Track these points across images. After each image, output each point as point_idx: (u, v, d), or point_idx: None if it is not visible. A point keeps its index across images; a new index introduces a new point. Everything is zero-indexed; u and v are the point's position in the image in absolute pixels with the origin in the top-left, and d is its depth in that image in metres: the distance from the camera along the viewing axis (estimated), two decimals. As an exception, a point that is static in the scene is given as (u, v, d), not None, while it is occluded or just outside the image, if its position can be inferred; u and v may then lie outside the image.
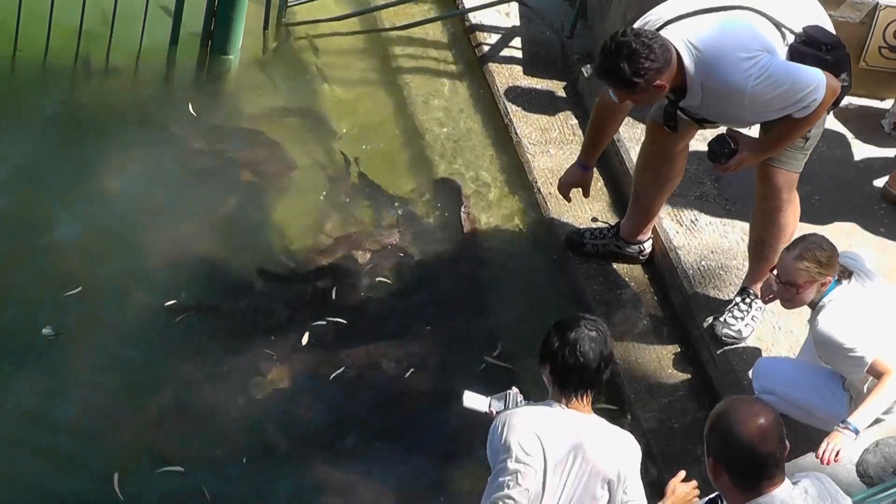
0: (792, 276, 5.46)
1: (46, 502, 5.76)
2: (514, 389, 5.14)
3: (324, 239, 7.04)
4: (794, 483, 4.09)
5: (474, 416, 5.10)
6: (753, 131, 6.09)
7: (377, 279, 6.86)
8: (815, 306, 5.51)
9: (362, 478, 6.02)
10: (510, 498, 4.75)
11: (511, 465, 4.75)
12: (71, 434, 5.99)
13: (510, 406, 5.06)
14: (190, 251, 6.84)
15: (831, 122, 7.33)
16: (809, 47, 5.78)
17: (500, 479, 4.76)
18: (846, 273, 5.52)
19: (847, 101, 7.40)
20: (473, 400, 5.12)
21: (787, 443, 4.03)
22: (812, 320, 5.51)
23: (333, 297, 6.71)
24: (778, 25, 5.80)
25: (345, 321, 6.58)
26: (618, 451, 4.82)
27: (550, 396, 4.84)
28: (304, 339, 6.49)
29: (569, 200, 6.74)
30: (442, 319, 6.74)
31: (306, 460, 6.04)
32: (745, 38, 5.72)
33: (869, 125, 7.45)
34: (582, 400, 4.80)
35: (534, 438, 4.74)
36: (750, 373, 5.99)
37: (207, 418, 6.14)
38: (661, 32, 5.74)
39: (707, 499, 4.33)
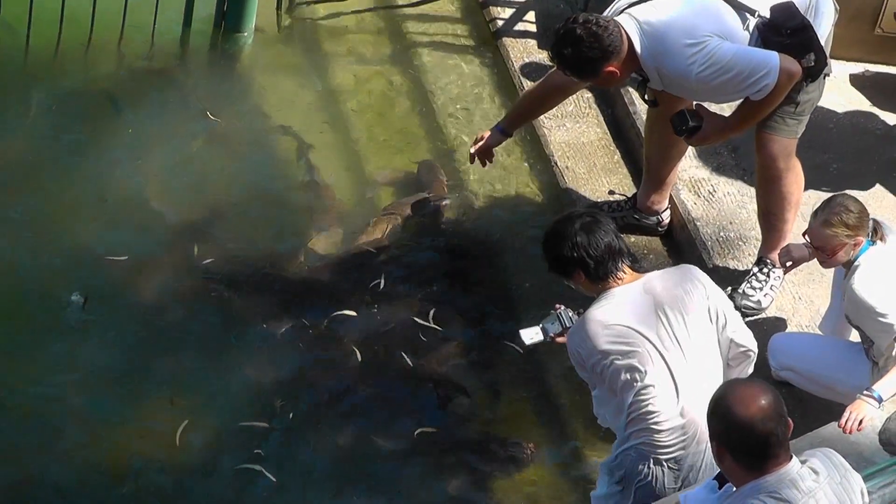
0: (822, 241, 5.43)
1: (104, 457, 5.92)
2: (561, 306, 5.28)
3: (341, 216, 7.08)
4: (803, 462, 4.07)
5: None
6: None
7: (393, 252, 6.88)
8: (849, 266, 5.47)
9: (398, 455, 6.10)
10: (649, 386, 4.87)
11: (621, 361, 4.89)
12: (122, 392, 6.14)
13: (566, 324, 5.23)
14: (224, 223, 6.94)
15: (847, 90, 7.33)
16: (770, 30, 5.79)
17: (624, 378, 4.90)
18: (880, 234, 5.49)
19: (863, 68, 7.43)
20: (529, 335, 5.29)
21: (789, 421, 4.02)
22: (847, 280, 5.47)
23: (348, 274, 6.75)
24: (739, 7, 5.80)
25: (355, 306, 6.60)
26: (690, 281, 5.03)
27: (597, 291, 5.01)
28: (340, 311, 6.55)
29: (472, 162, 6.66)
30: (458, 292, 6.76)
31: (346, 428, 6.13)
32: (691, 24, 5.72)
33: (886, 92, 7.42)
34: (625, 271, 4.99)
35: (619, 329, 4.91)
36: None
37: (248, 384, 6.24)
38: (621, 17, 5.78)
39: (712, 477, 4.33)
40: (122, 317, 6.43)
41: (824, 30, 5.91)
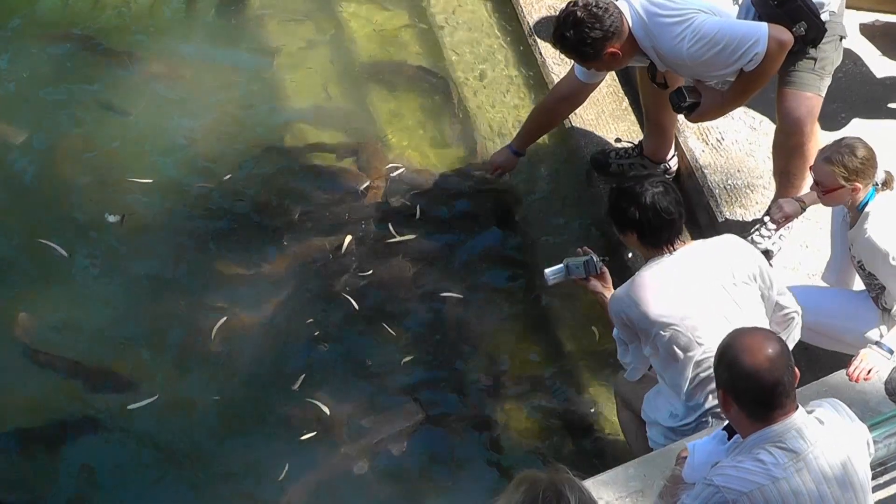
0: (820, 175, 5.40)
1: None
2: (590, 252, 5.42)
3: (350, 160, 7.15)
4: (809, 412, 4.09)
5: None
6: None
7: (400, 195, 6.96)
8: (858, 213, 5.43)
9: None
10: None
11: (679, 326, 4.97)
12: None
13: (591, 271, 5.41)
14: (242, 152, 7.15)
15: (857, 39, 7.28)
16: (759, 3, 5.83)
17: (684, 341, 4.97)
18: (890, 185, 5.46)
19: (873, 17, 7.39)
20: (554, 274, 5.47)
21: (796, 370, 4.03)
22: (858, 227, 5.43)
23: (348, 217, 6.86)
24: None
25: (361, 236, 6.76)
26: (736, 247, 5.13)
27: (646, 256, 5.10)
28: (346, 244, 6.67)
29: (492, 178, 6.90)
30: (467, 237, 6.83)
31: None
32: (677, 1, 5.79)
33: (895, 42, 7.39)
34: (676, 243, 5.06)
35: (674, 294, 4.97)
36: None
37: (270, 295, 6.49)
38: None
39: (721, 427, 4.37)
40: (152, 233, 6.70)
41: None
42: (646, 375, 5.33)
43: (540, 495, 3.51)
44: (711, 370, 4.83)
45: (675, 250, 5.05)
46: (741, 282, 5.00)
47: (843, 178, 5.34)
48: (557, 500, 3.51)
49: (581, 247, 5.53)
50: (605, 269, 5.48)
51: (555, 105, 6.62)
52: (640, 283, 5.03)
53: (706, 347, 4.95)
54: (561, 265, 5.47)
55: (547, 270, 5.49)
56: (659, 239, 5.05)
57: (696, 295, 4.97)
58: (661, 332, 4.98)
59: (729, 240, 5.21)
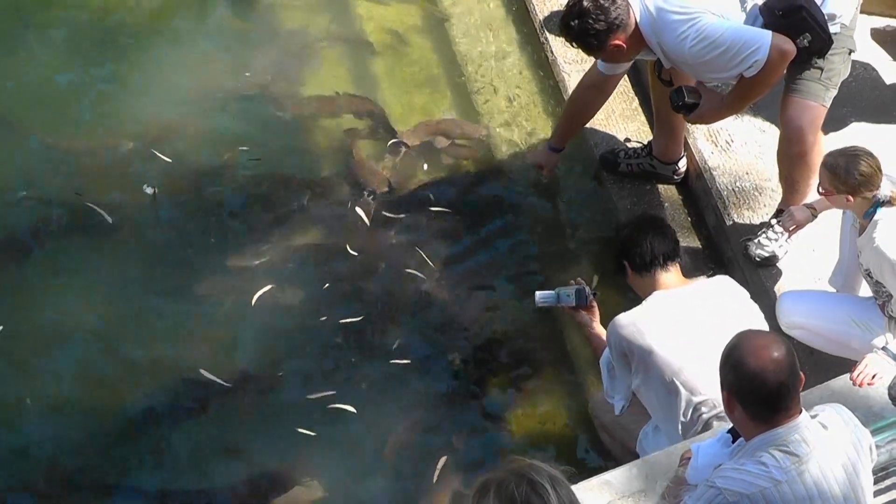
0: (818, 177, 5.47)
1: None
2: (584, 284, 5.49)
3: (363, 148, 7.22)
4: (813, 416, 4.09)
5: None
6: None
7: (411, 184, 7.01)
8: (867, 221, 5.42)
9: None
10: (708, 399, 5.06)
11: (676, 366, 5.08)
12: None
13: (582, 302, 5.47)
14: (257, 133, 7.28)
15: (869, 44, 7.28)
16: (765, 12, 5.84)
17: (681, 387, 5.09)
18: (894, 201, 5.44)
19: (885, 23, 7.38)
20: (543, 297, 5.53)
21: (801, 373, 4.02)
22: (867, 234, 5.42)
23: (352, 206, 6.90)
24: None
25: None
26: (731, 292, 5.28)
27: (644, 289, 5.24)
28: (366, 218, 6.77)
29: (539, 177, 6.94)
30: (473, 237, 6.83)
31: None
32: (684, 1, 5.80)
33: (907, 47, 7.41)
34: (671, 270, 5.22)
35: (676, 335, 5.07)
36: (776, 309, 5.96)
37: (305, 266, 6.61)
38: None
39: (726, 430, 4.38)
40: (180, 206, 6.84)
41: (841, 7, 5.91)
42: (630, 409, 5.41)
43: (515, 492, 3.38)
44: (707, 411, 5.02)
45: (668, 284, 5.15)
46: (734, 324, 4.91)
47: (834, 187, 5.35)
48: (533, 488, 3.39)
49: (575, 278, 5.62)
50: (595, 303, 5.54)
51: (583, 94, 6.56)
52: (646, 314, 5.13)
53: (701, 399, 5.07)
54: (552, 292, 5.55)
55: (538, 293, 5.57)
56: (651, 264, 5.23)
57: (696, 341, 5.03)
58: (660, 370, 5.07)
59: (725, 283, 5.33)
